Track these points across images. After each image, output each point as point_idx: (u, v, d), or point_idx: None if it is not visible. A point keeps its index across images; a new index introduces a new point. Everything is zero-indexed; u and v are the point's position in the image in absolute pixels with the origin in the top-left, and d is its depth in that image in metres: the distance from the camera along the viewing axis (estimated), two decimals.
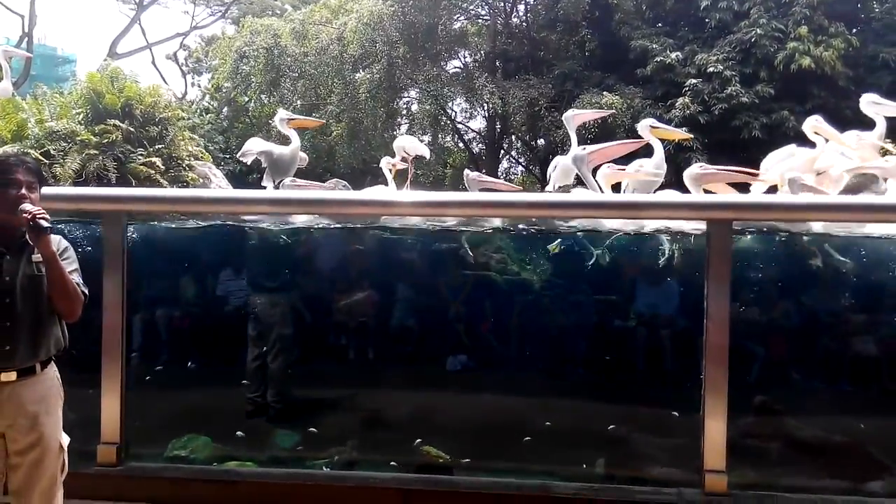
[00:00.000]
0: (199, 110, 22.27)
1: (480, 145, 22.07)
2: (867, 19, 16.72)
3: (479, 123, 21.85)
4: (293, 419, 3.66)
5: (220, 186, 9.57)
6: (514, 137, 21.85)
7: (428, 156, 5.96)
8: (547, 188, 5.69)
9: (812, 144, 4.50)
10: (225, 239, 3.63)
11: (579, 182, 5.53)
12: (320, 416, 3.64)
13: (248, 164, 4.98)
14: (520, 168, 24.14)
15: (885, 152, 5.06)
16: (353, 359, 3.70)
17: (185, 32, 28.40)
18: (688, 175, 3.76)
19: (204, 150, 10.81)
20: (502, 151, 22.23)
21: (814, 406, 3.40)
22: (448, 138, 22.04)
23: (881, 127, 4.37)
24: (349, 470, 3.34)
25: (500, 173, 22.54)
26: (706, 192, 3.70)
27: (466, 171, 4.83)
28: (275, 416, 3.68)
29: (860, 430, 3.30)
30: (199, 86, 27.63)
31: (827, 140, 4.39)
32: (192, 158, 9.39)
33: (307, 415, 3.65)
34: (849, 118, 4.47)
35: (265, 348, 3.56)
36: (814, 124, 4.47)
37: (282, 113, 4.96)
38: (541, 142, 19.68)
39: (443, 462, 3.27)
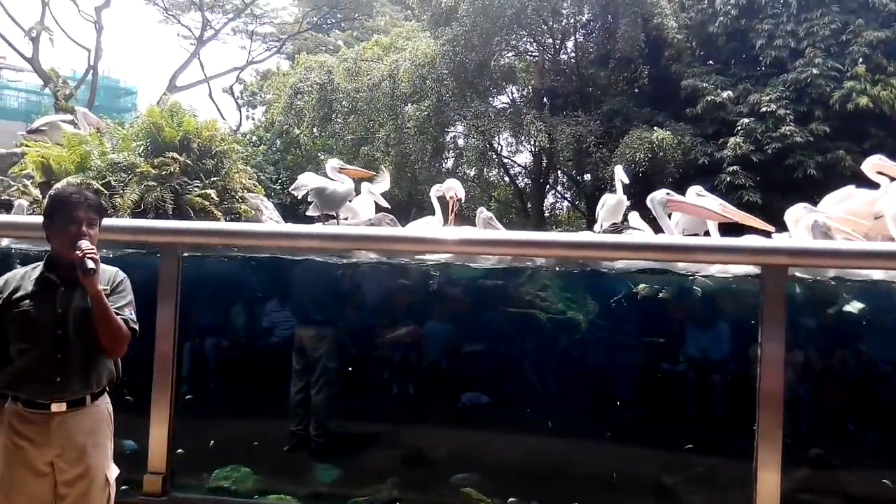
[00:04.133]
0: (251, 142, 22.93)
1: (526, 180, 22.09)
2: None
3: (525, 158, 21.92)
4: (335, 453, 3.65)
5: (270, 218, 9.78)
6: (560, 172, 21.81)
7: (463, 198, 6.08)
8: (595, 226, 5.66)
9: (872, 185, 4.37)
10: (274, 271, 3.69)
11: (624, 219, 5.52)
12: (362, 451, 3.63)
13: (300, 196, 5.12)
14: (565, 203, 24.04)
15: None
16: (398, 395, 3.69)
17: (242, 67, 29.46)
18: (653, 199, 3.81)
19: (256, 183, 11.07)
20: (548, 186, 22.20)
21: (871, 460, 3.23)
22: (494, 172, 22.14)
23: None
24: None
25: (545, 208, 22.49)
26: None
27: (481, 209, 4.91)
28: (317, 450, 3.67)
29: None
30: (253, 118, 28.55)
31: (892, 179, 4.24)
32: (246, 191, 9.63)
33: (349, 450, 3.65)
34: None
35: (310, 380, 3.59)
36: (876, 163, 4.34)
37: (333, 162, 5.12)
38: (587, 177, 19.59)
39: None
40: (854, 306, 3.28)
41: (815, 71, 15.36)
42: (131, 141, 9.29)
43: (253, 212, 9.34)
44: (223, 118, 24.50)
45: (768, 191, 14.95)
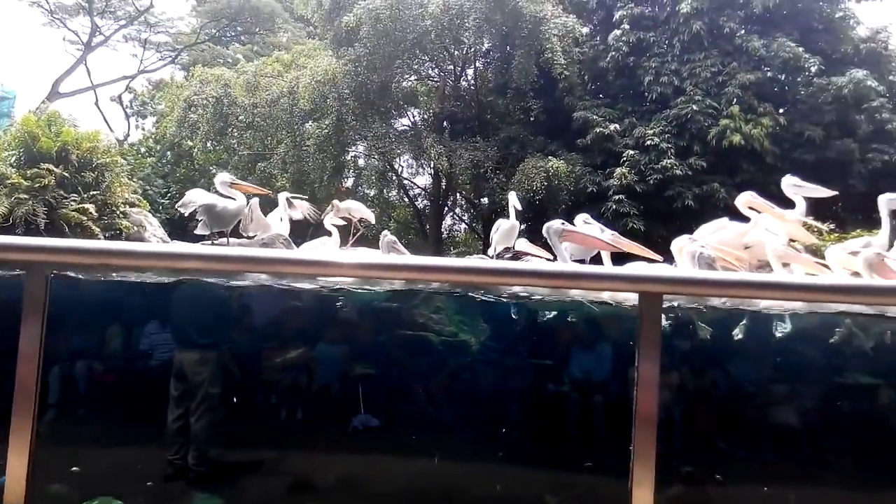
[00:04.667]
0: (140, 153, 21.87)
1: (425, 201, 22.31)
2: (794, 100, 17.90)
3: (424, 180, 22.18)
4: (216, 483, 3.49)
5: (154, 235, 9.32)
6: (458, 195, 22.19)
7: (373, 220, 6.00)
8: (489, 250, 5.77)
9: (743, 218, 4.71)
10: (153, 293, 3.52)
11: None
12: (245, 480, 3.48)
13: (187, 214, 4.83)
14: (463, 225, 24.45)
15: (809, 228, 5.35)
16: (284, 420, 3.58)
17: (133, 76, 28.17)
18: (549, 228, 4.09)
19: (141, 198, 10.53)
20: (446, 208, 22.51)
21: (742, 476, 3.45)
22: (394, 193, 22.22)
23: (801, 207, 4.62)
24: None
25: (443, 229, 22.77)
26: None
27: (385, 233, 4.89)
28: (195, 479, 3.49)
29: (786, 500, 3.36)
30: (143, 129, 27.30)
31: (759, 212, 4.60)
32: (129, 206, 9.14)
33: (231, 479, 3.49)
34: (775, 193, 4.72)
35: (189, 407, 3.41)
36: (748, 199, 4.69)
37: (223, 176, 4.84)
38: (485, 201, 20.04)
39: None
40: (723, 332, 3.53)
41: (694, 108, 16.52)
42: (2, 150, 8.63)
43: (136, 228, 8.87)
44: (110, 128, 23.30)
45: (650, 219, 15.87)
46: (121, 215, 8.79)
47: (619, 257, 4.77)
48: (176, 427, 3.38)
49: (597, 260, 4.77)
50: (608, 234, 4.72)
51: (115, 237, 8.26)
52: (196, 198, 4.71)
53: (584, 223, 4.89)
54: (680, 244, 4.29)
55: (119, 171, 9.39)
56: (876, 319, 3.36)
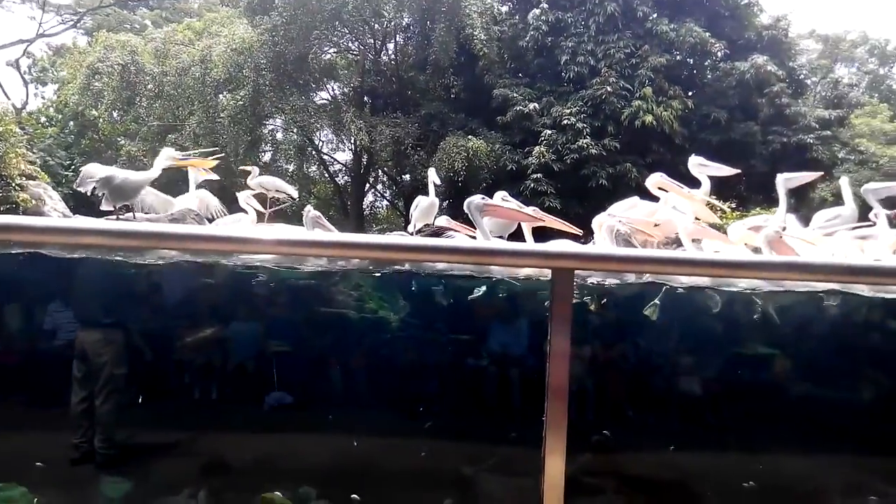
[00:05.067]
0: (40, 123, 20.50)
1: (346, 178, 22.02)
2: (701, 84, 18.69)
3: (345, 156, 21.86)
4: (125, 466, 3.37)
5: (55, 209, 8.78)
6: (380, 172, 22.02)
7: (295, 195, 5.82)
8: (409, 226, 5.78)
9: (653, 198, 4.91)
10: (52, 270, 3.33)
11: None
12: (155, 462, 3.38)
13: (88, 193, 4.48)
14: (385, 202, 24.33)
15: (712, 207, 5.64)
16: (197, 401, 3.49)
17: (31, 40, 26.14)
18: (470, 203, 4.16)
19: (40, 170, 9.88)
20: (368, 185, 22.31)
21: (645, 443, 3.63)
22: (314, 168, 21.81)
23: (706, 186, 4.86)
24: None
25: (365, 206, 22.58)
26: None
27: (308, 208, 4.81)
28: (103, 463, 3.37)
29: (690, 465, 3.56)
30: (43, 97, 25.53)
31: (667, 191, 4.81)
32: (25, 178, 8.55)
33: (140, 461, 3.39)
34: (683, 173, 4.94)
35: (94, 389, 3.28)
36: (658, 180, 4.89)
37: (168, 151, 4.56)
38: (406, 178, 19.98)
39: None
40: (634, 306, 3.69)
41: (609, 89, 16.98)
42: None
43: (34, 202, 8.33)
44: (6, 95, 21.68)
45: (566, 198, 16.28)
46: (17, 188, 8.21)
47: (541, 234, 4.88)
48: (80, 410, 3.24)
49: (517, 236, 4.86)
50: (530, 209, 4.83)
51: (12, 211, 7.73)
52: (93, 172, 4.40)
53: (503, 200, 4.97)
54: (600, 220, 4.44)
55: (15, 142, 8.75)
56: (774, 294, 3.59)
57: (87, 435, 3.29)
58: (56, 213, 8.44)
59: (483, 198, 4.51)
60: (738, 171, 5.34)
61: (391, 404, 3.57)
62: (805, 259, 3.85)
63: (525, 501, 3.08)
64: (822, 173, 5.21)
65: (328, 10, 17.09)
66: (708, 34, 17.87)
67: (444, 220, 5.23)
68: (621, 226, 4.29)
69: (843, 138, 20.27)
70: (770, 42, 19.03)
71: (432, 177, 5.96)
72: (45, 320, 3.46)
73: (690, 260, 2.91)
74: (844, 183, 5.01)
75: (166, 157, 4.55)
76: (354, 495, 3.26)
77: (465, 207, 4.45)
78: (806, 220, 5.02)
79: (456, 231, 5.32)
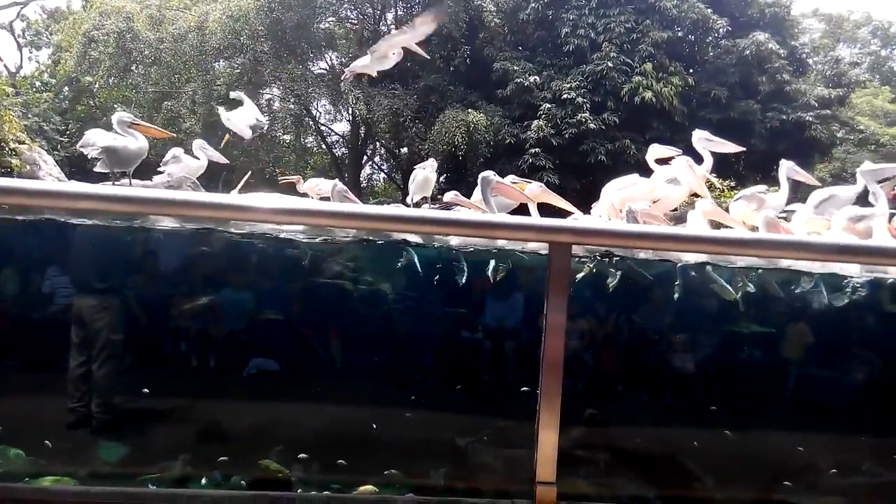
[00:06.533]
0: (34, 87, 20.27)
1: (344, 149, 21.89)
2: (702, 61, 18.54)
3: (343, 127, 21.68)
4: (120, 430, 3.40)
5: (50, 174, 8.72)
6: (378, 144, 21.88)
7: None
8: (407, 198, 5.76)
9: (651, 173, 4.90)
10: (48, 234, 3.32)
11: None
12: (151, 427, 3.41)
13: (90, 157, 4.57)
14: (382, 175, 24.22)
15: (710, 184, 5.62)
16: (193, 368, 3.51)
17: (24, 2, 25.68)
18: (483, 178, 4.41)
19: (34, 134, 9.78)
20: (365, 157, 22.19)
21: (639, 419, 3.67)
22: (311, 139, 21.66)
23: (709, 161, 4.84)
24: (180, 487, 3.16)
25: (362, 179, 22.49)
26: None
27: (335, 182, 4.82)
28: (99, 428, 3.39)
29: (681, 441, 3.60)
30: (38, 61, 25.19)
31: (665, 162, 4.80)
32: (19, 143, 8.45)
33: (136, 426, 3.41)
34: (682, 150, 4.92)
35: (91, 354, 3.29)
36: (655, 152, 4.88)
37: (122, 114, 4.61)
38: (404, 150, 19.87)
39: (282, 476, 3.18)
40: (631, 281, 3.70)
41: (609, 64, 16.83)
42: None
43: (28, 166, 8.25)
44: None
45: (565, 173, 16.23)
46: (11, 152, 8.13)
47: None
48: (78, 374, 3.26)
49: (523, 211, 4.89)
50: (536, 186, 4.88)
51: (6, 175, 7.67)
52: (96, 138, 4.48)
53: (513, 182, 4.99)
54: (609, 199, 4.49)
55: (8, 105, 8.64)
56: (772, 272, 3.61)
57: (85, 399, 3.31)
58: (51, 178, 8.38)
59: (495, 175, 4.61)
60: (743, 148, 5.32)
61: (389, 373, 3.60)
62: (802, 238, 3.87)
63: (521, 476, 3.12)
64: (812, 176, 5.22)
65: None
66: (710, 10, 17.68)
67: (452, 195, 5.23)
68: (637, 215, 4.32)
69: (842, 118, 20.20)
70: (772, 20, 18.84)
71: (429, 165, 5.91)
72: (40, 286, 3.46)
73: (688, 237, 2.91)
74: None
75: (120, 119, 4.54)
76: (344, 463, 3.30)
77: (478, 181, 4.53)
78: (802, 200, 5.03)
79: (463, 206, 5.32)
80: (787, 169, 4.86)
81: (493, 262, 3.62)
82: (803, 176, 4.97)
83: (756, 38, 17.58)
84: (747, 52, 17.52)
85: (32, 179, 7.85)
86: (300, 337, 3.58)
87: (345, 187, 4.77)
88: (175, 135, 5.27)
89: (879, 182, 4.52)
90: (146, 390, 3.33)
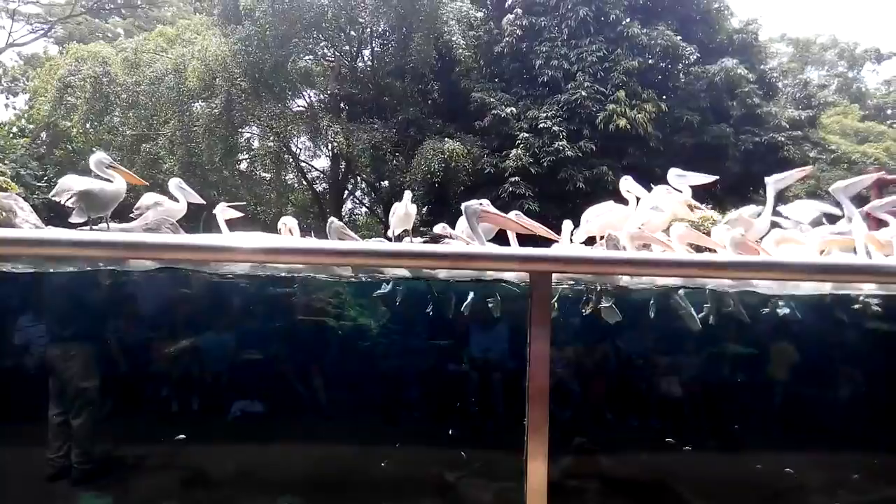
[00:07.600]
0: (11, 133, 20.16)
1: (324, 185, 21.91)
2: (674, 87, 18.91)
3: (323, 163, 21.74)
4: (102, 480, 3.32)
5: (27, 221, 8.61)
6: (359, 178, 21.94)
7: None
8: (388, 232, 5.77)
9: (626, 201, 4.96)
10: (26, 283, 3.28)
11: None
12: (134, 475, 3.34)
13: (65, 203, 4.45)
14: (364, 209, 24.24)
15: (695, 208, 5.67)
16: (176, 413, 3.45)
17: (1, 49, 25.75)
18: (467, 208, 4.30)
19: (9, 181, 9.71)
20: (346, 192, 22.22)
21: (624, 444, 3.66)
22: (291, 176, 21.67)
23: (687, 194, 4.90)
24: None
25: (344, 213, 22.48)
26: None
27: (332, 219, 4.77)
28: (81, 478, 3.31)
29: (669, 466, 3.59)
30: (14, 107, 25.14)
31: (638, 199, 4.87)
32: None
33: (118, 475, 3.34)
34: (658, 175, 4.99)
35: (69, 403, 3.23)
36: (625, 184, 4.95)
37: (101, 155, 4.54)
38: (385, 184, 19.93)
39: None
40: (611, 308, 3.72)
41: (583, 93, 17.10)
42: None
43: (5, 213, 8.15)
44: None
45: (544, 201, 16.35)
46: None
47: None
48: (56, 424, 3.19)
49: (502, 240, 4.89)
50: (513, 214, 4.89)
51: None
52: (71, 184, 4.38)
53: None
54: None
55: None
56: (747, 295, 3.64)
57: (64, 450, 3.24)
58: (28, 225, 8.26)
59: (480, 203, 4.58)
60: (716, 177, 5.38)
61: (377, 409, 3.57)
62: (779, 259, 3.92)
63: None
64: (812, 167, 5.27)
65: (306, 18, 17.04)
66: (679, 38, 18.09)
67: (440, 228, 5.22)
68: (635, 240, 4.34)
69: (813, 138, 20.62)
70: (741, 45, 19.32)
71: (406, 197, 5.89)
72: (16, 336, 3.41)
73: (666, 261, 2.94)
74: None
75: (98, 160, 4.48)
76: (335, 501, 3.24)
77: (463, 210, 4.51)
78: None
79: (451, 238, 5.31)
80: (773, 182, 4.86)
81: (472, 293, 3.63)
82: (788, 179, 5.00)
83: (725, 65, 18.00)
84: (717, 77, 17.92)
85: (8, 228, 7.75)
86: (279, 378, 3.55)
87: (342, 224, 4.70)
88: (148, 183, 5.14)
89: (851, 198, 4.60)
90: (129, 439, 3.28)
